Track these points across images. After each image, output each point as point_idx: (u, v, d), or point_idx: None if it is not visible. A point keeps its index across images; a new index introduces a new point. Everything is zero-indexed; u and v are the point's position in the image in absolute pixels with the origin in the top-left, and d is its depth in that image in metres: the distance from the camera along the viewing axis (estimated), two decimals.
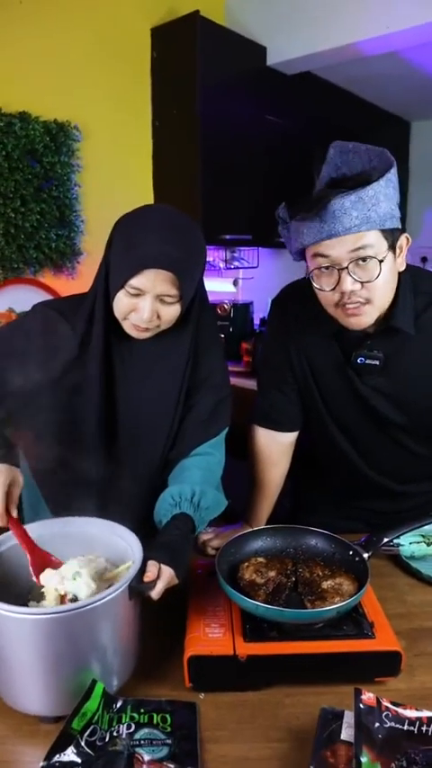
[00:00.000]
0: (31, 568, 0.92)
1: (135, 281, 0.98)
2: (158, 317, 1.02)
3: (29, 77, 2.30)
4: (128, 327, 1.05)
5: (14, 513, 0.95)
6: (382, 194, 1.01)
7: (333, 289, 1.07)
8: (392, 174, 1.02)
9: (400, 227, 1.06)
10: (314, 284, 1.09)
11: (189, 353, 1.13)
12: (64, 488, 1.15)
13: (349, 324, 1.11)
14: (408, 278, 1.14)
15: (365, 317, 1.10)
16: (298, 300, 1.24)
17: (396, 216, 1.04)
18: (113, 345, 1.09)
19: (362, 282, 1.04)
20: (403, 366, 1.17)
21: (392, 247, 1.06)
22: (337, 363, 1.21)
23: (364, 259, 1.03)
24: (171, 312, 1.03)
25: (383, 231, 1.03)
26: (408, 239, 1.10)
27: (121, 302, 1.01)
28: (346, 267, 1.03)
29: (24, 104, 2.25)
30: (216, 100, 2.65)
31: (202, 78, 2.58)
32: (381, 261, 1.03)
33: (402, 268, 1.11)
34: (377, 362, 1.15)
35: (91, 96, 2.50)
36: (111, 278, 1.03)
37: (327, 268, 1.06)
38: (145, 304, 1.00)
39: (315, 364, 1.24)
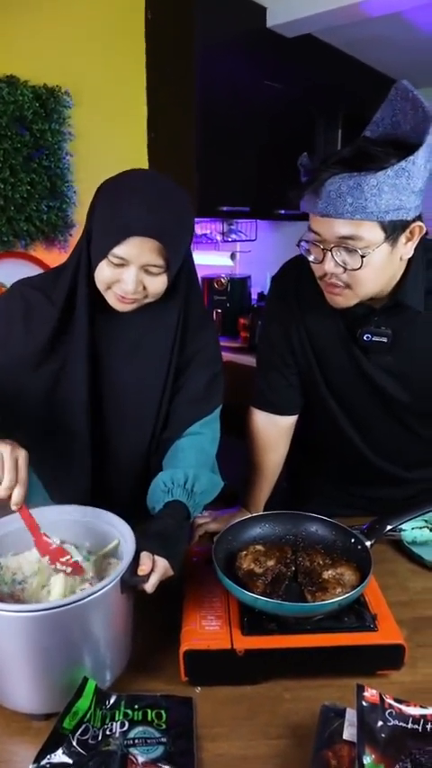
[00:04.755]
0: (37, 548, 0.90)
1: (119, 250, 0.92)
2: (144, 288, 0.97)
3: (16, 39, 2.19)
4: (111, 299, 0.99)
5: (20, 494, 0.88)
6: (388, 185, 0.92)
7: (318, 263, 1.03)
8: (410, 164, 0.92)
9: (409, 218, 0.98)
10: (304, 253, 1.06)
11: (177, 328, 1.08)
12: (53, 471, 1.12)
13: (330, 301, 1.08)
14: (421, 253, 1.07)
15: (344, 300, 1.06)
16: (299, 277, 1.18)
17: (406, 207, 0.95)
18: (97, 320, 1.04)
19: (344, 268, 1.00)
20: (411, 343, 1.12)
21: (393, 238, 0.99)
22: (341, 341, 1.16)
23: (349, 239, 0.97)
24: (157, 284, 0.97)
25: (382, 223, 0.96)
26: (421, 228, 1.02)
27: (104, 272, 0.95)
28: (330, 249, 0.99)
29: (11, 68, 2.14)
30: (214, 64, 2.54)
31: (199, 41, 2.46)
32: (363, 256, 0.97)
33: (410, 255, 1.04)
34: (385, 339, 1.10)
35: (82, 60, 2.39)
36: (93, 247, 0.96)
37: (316, 243, 1.02)
38: (129, 275, 0.94)
39: (318, 343, 1.19)
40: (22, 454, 0.87)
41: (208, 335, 1.15)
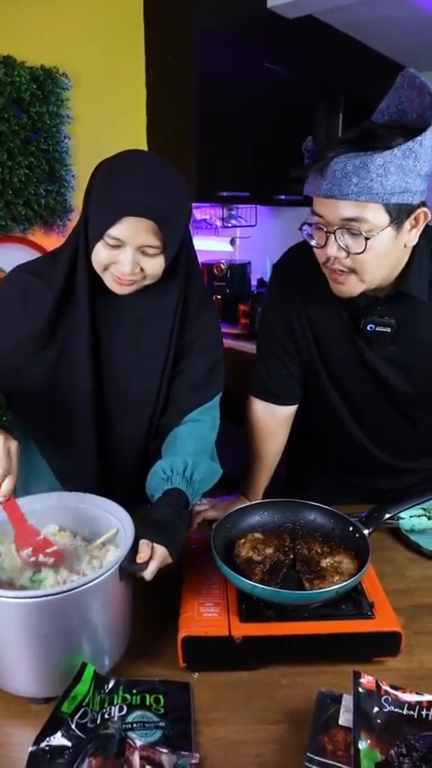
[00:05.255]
0: (15, 543, 0.89)
1: (114, 231, 0.91)
2: (141, 270, 0.96)
3: (12, 19, 2.15)
4: (109, 281, 0.98)
5: (9, 485, 0.87)
6: (395, 165, 0.91)
7: (321, 248, 1.02)
8: (417, 144, 0.91)
9: (414, 202, 0.96)
10: (307, 238, 1.04)
11: (177, 310, 1.07)
12: (60, 457, 1.13)
13: (334, 289, 1.06)
14: (425, 242, 1.06)
15: (349, 287, 1.04)
16: (301, 265, 1.17)
17: (412, 190, 0.94)
18: (97, 303, 1.03)
19: (347, 252, 0.98)
20: (415, 334, 1.11)
21: (397, 222, 0.97)
22: (344, 331, 1.15)
23: (352, 222, 0.96)
24: (154, 265, 0.96)
25: (387, 205, 0.95)
26: (426, 215, 1.00)
27: (100, 254, 0.95)
28: (334, 232, 0.98)
29: (8, 48, 2.10)
30: (213, 46, 2.50)
31: (198, 22, 2.42)
32: (367, 239, 0.96)
33: (414, 242, 1.03)
34: (389, 330, 1.09)
35: (80, 41, 2.35)
36: (89, 228, 0.95)
37: (319, 227, 1.01)
38: (125, 256, 0.93)
39: (320, 333, 1.18)
40: (13, 445, 0.86)
41: (208, 320, 1.14)
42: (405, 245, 1.02)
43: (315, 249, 1.04)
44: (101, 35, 2.43)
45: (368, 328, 1.10)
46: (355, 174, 0.92)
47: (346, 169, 0.92)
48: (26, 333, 1.02)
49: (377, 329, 1.10)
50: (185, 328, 1.10)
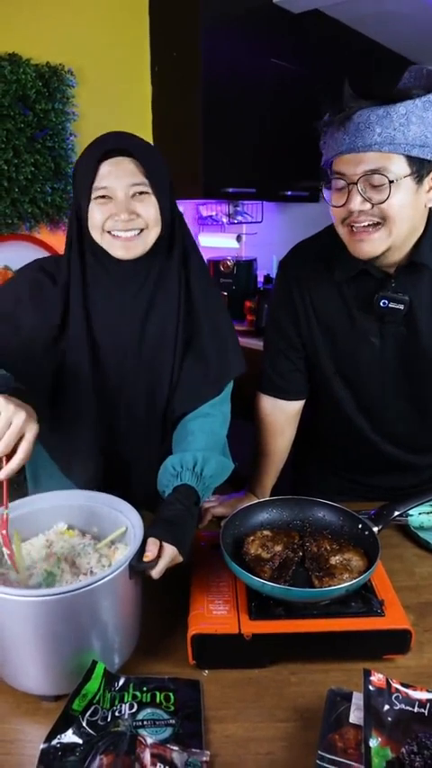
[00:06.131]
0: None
1: (99, 181, 0.93)
2: (137, 215, 0.97)
3: (18, 16, 2.15)
4: (113, 245, 0.98)
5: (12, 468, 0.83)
6: (416, 116, 0.92)
7: (342, 205, 1.00)
8: None
9: None
10: (327, 200, 1.03)
11: (180, 290, 1.07)
12: (64, 453, 1.13)
13: (355, 250, 1.03)
14: None
15: (372, 245, 1.01)
16: (307, 261, 1.17)
17: (430, 145, 0.94)
18: (94, 295, 1.04)
19: (372, 203, 0.97)
20: (427, 315, 1.09)
21: (418, 176, 0.97)
22: (353, 318, 1.14)
23: (374, 173, 0.95)
24: (148, 207, 0.97)
25: (409, 158, 0.94)
26: None
27: (95, 215, 0.96)
28: (356, 183, 0.96)
29: (13, 45, 2.10)
30: (218, 41, 2.49)
31: (204, 17, 2.41)
32: (391, 182, 0.95)
33: (431, 204, 1.02)
34: (401, 307, 1.07)
35: (85, 37, 2.35)
36: (77, 194, 0.98)
37: (339, 187, 1.00)
38: (117, 203, 0.95)
39: (327, 326, 1.17)
40: (33, 429, 0.83)
41: (216, 305, 1.14)
42: (425, 206, 1.02)
43: (334, 209, 1.03)
44: (106, 32, 2.42)
45: (381, 304, 1.08)
46: (378, 124, 0.92)
47: (369, 120, 0.92)
48: (37, 332, 1.03)
49: (390, 305, 1.08)
50: (193, 315, 1.09)
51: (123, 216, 0.94)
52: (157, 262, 1.03)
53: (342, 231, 1.04)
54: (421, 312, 1.09)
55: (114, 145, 0.94)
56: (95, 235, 0.98)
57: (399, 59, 3.73)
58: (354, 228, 1.01)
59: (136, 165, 0.93)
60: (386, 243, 1.01)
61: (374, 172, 0.95)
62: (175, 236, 1.03)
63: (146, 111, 2.66)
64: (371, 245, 1.02)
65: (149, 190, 0.96)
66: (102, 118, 2.43)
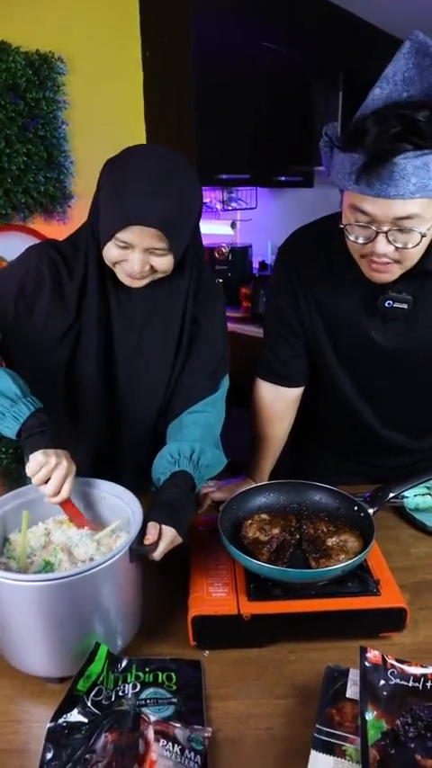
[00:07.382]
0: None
1: (122, 236, 0.94)
2: (151, 267, 0.98)
3: (5, 3, 2.12)
4: (121, 276, 1.01)
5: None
6: None
7: (365, 243, 0.98)
8: None
9: None
10: (346, 233, 1.00)
11: (186, 304, 1.09)
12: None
13: (372, 277, 1.04)
14: None
15: (390, 275, 1.03)
16: (308, 247, 1.17)
17: None
18: (109, 293, 1.06)
19: (397, 247, 0.96)
20: (430, 311, 1.10)
21: None
22: (355, 311, 1.14)
23: (404, 220, 0.93)
24: (164, 263, 0.99)
25: None
26: None
27: (111, 252, 0.97)
28: (386, 232, 0.94)
29: (2, 33, 2.08)
30: (210, 26, 2.47)
31: (195, 2, 2.39)
32: (423, 236, 0.94)
33: None
34: (405, 306, 1.08)
35: (75, 24, 2.32)
36: (100, 226, 0.98)
37: (362, 226, 0.97)
38: (134, 257, 0.96)
39: (328, 313, 1.17)
40: (72, 471, 0.91)
41: (218, 310, 1.17)
42: None
43: (353, 244, 1.01)
44: (96, 18, 2.39)
45: (386, 304, 1.08)
46: (415, 175, 0.88)
47: (406, 170, 0.88)
48: (50, 327, 1.04)
49: (394, 305, 1.08)
50: (195, 321, 1.12)
51: (137, 269, 0.96)
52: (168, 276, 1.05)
53: (360, 261, 1.04)
54: (424, 309, 1.10)
55: (147, 219, 0.91)
56: (108, 263, 1.00)
57: (392, 39, 3.69)
58: (374, 262, 1.01)
59: (161, 236, 0.93)
60: (400, 272, 1.03)
61: (406, 218, 0.92)
62: (188, 252, 1.04)
63: (138, 97, 2.63)
64: (389, 276, 1.03)
65: (168, 251, 0.97)
66: (93, 105, 2.41)
